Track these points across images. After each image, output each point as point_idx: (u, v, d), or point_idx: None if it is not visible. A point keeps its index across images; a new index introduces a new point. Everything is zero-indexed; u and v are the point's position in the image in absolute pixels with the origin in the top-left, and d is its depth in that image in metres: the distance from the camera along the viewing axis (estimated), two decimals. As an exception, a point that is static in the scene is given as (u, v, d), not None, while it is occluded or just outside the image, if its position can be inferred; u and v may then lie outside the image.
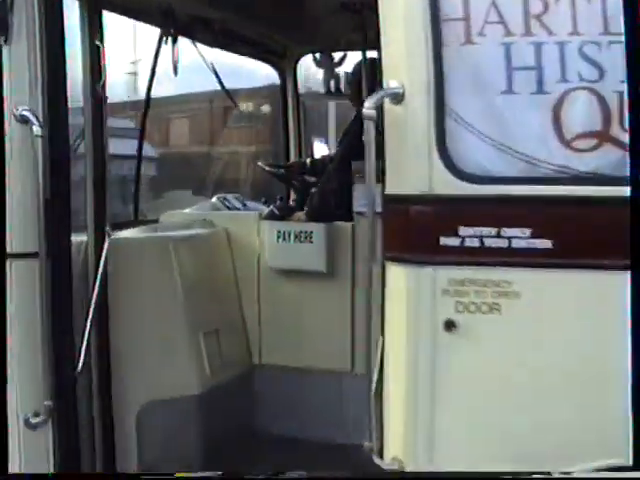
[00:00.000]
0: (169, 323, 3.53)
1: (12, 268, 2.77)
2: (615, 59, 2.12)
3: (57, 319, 2.86)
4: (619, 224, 2.12)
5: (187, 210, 4.30)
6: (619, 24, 2.12)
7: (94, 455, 3.18)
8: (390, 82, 2.28)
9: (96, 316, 3.06)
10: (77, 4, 3.11)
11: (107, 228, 3.14)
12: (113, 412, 3.28)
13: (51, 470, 2.87)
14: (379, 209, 2.34)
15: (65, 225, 2.95)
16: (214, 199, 4.51)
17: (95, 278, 3.05)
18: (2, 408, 2.29)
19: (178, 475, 2.84)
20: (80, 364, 2.93)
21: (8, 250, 2.76)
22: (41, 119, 2.75)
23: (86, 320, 2.98)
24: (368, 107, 2.24)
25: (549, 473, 2.18)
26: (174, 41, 3.90)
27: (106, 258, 3.10)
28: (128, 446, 3.41)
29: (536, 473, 2.18)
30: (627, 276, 2.08)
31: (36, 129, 2.70)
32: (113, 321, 3.27)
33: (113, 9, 3.42)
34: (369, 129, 2.24)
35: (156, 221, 4.17)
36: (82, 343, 2.94)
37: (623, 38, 2.11)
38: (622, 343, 2.08)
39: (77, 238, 3.13)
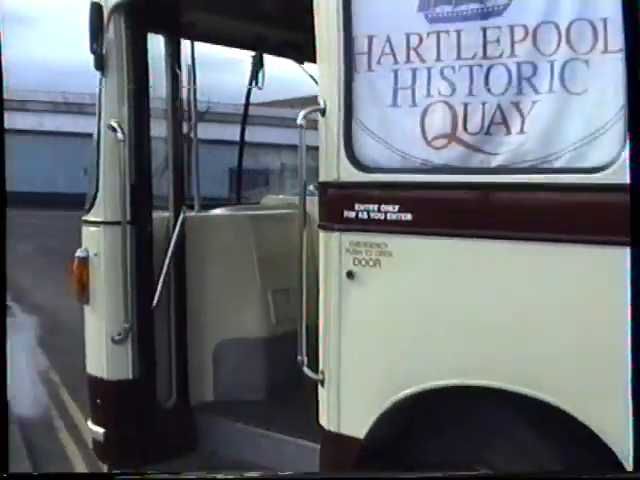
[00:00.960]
0: (243, 280, 4.58)
1: (105, 231, 4.00)
2: (463, 78, 2.85)
3: (139, 267, 4.04)
4: (464, 203, 2.87)
5: (281, 196, 5.32)
6: (469, 52, 2.84)
7: (170, 378, 4.29)
8: (319, 99, 3.17)
9: (173, 267, 4.19)
10: (161, 38, 4.25)
11: (183, 207, 4.26)
12: (188, 346, 4.38)
13: (130, 377, 4.06)
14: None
15: (147, 203, 4.13)
16: (310, 186, 5.50)
17: (170, 243, 4.19)
18: (2, 408, 2.26)
19: (183, 475, 3.34)
20: (155, 300, 4.08)
21: (102, 219, 4.00)
22: (126, 129, 3.94)
23: (161, 269, 4.13)
24: (300, 118, 3.15)
25: (550, 472, 2.72)
26: (261, 64, 4.95)
27: (182, 227, 4.23)
28: (204, 375, 4.48)
29: (537, 473, 2.73)
30: (470, 241, 2.82)
31: (119, 136, 3.88)
32: (191, 274, 4.38)
33: (197, 38, 4.53)
34: (301, 134, 3.14)
35: (257, 203, 5.25)
36: (158, 284, 4.09)
37: (471, 63, 2.83)
38: (462, 291, 2.83)
39: (163, 213, 4.29)
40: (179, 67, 4.27)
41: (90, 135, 4.13)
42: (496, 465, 2.93)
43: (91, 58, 3.94)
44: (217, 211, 4.79)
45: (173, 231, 4.21)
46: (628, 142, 2.34)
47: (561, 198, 2.65)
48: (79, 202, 4.28)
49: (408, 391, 2.95)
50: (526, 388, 2.68)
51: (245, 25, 4.48)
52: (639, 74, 2.21)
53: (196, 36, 4.49)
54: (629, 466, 2.42)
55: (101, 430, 4.10)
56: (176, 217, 4.24)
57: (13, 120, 41.14)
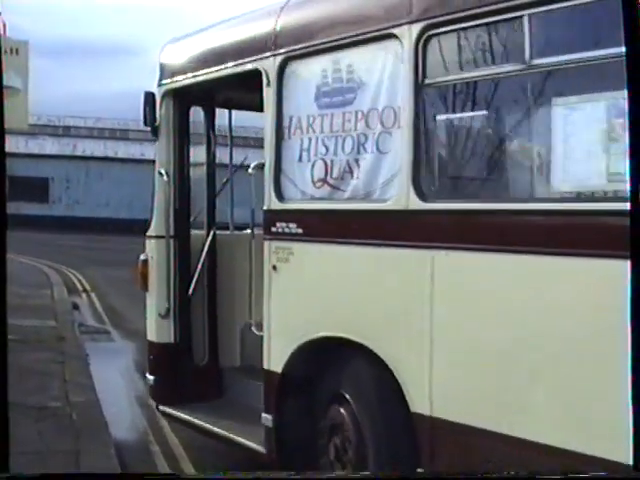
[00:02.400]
0: (258, 279, 6.36)
1: (157, 242, 5.97)
2: (331, 144, 4.53)
3: (180, 267, 5.98)
4: (332, 221, 4.55)
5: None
6: (336, 127, 4.53)
7: (204, 346, 6.14)
8: (264, 155, 4.96)
9: (206, 268, 6.08)
10: (201, 110, 6.21)
11: (213, 227, 6.16)
12: (218, 325, 6.19)
13: (172, 341, 5.97)
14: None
15: (185, 224, 6.07)
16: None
17: (203, 251, 6.10)
18: (3, 408, 2.30)
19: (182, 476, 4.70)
20: (191, 290, 5.98)
21: (155, 234, 5.98)
22: (171, 174, 5.91)
23: (196, 269, 6.03)
24: (251, 169, 4.97)
25: (552, 472, 3.04)
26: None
27: (213, 241, 6.13)
28: (232, 347, 6.29)
29: (537, 473, 3.12)
30: (336, 245, 4.50)
31: (165, 179, 5.86)
32: (220, 273, 6.22)
33: (225, 107, 6.43)
34: (251, 180, 4.96)
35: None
36: (193, 278, 5.99)
37: (336, 134, 4.53)
38: (329, 275, 4.51)
39: (201, 231, 6.21)
40: (213, 130, 6.21)
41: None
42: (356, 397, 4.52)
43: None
44: (244, 232, 6.64)
45: (205, 244, 6.12)
46: (628, 149, 2.61)
47: (375, 216, 4.30)
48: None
49: (305, 339, 4.64)
50: (352, 335, 4.32)
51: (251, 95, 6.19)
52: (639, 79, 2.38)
53: (225, 106, 6.42)
54: (413, 405, 3.95)
55: (152, 377, 6.05)
56: (208, 234, 6.15)
57: (116, 149, 43.52)
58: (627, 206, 3.07)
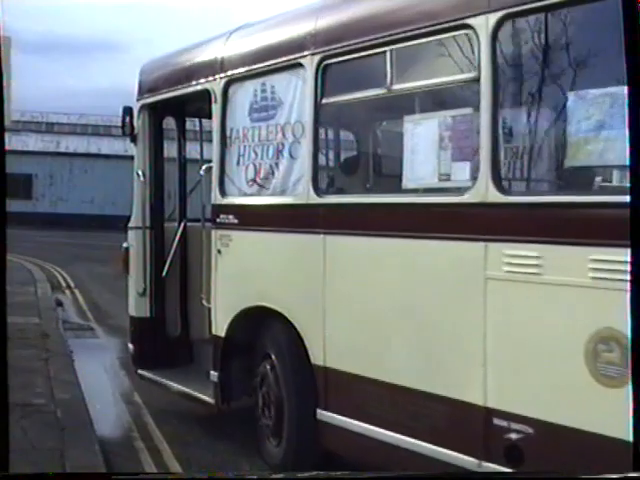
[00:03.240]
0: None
1: (135, 232, 7.09)
2: (259, 151, 5.60)
3: (155, 254, 7.10)
4: (259, 213, 5.61)
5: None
6: (262, 137, 5.60)
7: (177, 321, 7.25)
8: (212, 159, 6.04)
9: (178, 255, 7.19)
10: (173, 120, 7.32)
11: (184, 219, 7.25)
12: (188, 302, 7.29)
13: (148, 315, 7.09)
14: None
15: (159, 217, 7.18)
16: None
17: (174, 240, 7.21)
18: (3, 408, 2.26)
19: (181, 475, 5.02)
20: (164, 272, 7.10)
21: (134, 225, 7.10)
22: (147, 174, 7.03)
23: (169, 254, 7.14)
24: (202, 171, 6.07)
25: (551, 473, 3.14)
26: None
27: (183, 231, 7.22)
28: (202, 321, 7.39)
29: (537, 473, 3.24)
30: (263, 232, 5.57)
31: (142, 179, 6.97)
32: (191, 259, 7.32)
33: (192, 116, 7.53)
34: (202, 180, 6.06)
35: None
36: (167, 262, 7.10)
37: (263, 143, 5.60)
38: (259, 254, 5.58)
39: (172, 224, 7.32)
40: (184, 136, 7.32)
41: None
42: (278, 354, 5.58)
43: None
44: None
45: (177, 233, 7.23)
46: (629, 150, 2.73)
47: (286, 209, 5.36)
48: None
49: (240, 308, 5.72)
50: (272, 304, 5.39)
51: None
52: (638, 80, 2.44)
53: (193, 115, 7.52)
54: (313, 358, 5.02)
55: (131, 346, 7.18)
56: (179, 225, 7.26)
57: (100, 145, 42.99)
58: (455, 198, 4.14)
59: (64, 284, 16.93)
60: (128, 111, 7.04)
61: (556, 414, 3.71)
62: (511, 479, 3.24)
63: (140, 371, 7.12)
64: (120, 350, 9.40)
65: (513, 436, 3.87)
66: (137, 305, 7.14)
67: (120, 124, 7.06)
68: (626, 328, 3.28)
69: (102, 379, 8.44)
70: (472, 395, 4.06)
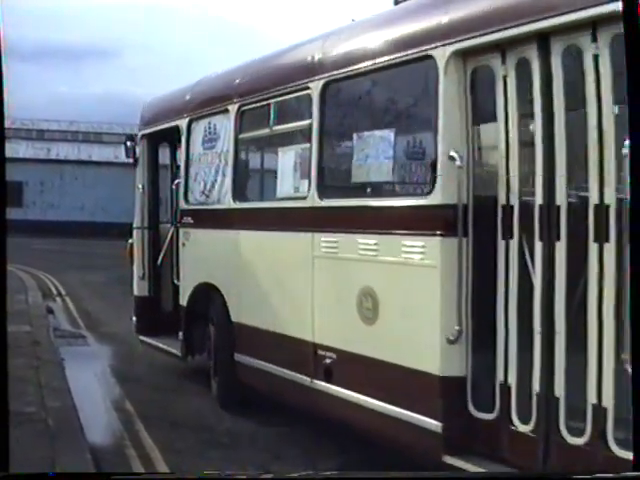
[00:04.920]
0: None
1: (137, 232, 9.38)
2: (208, 171, 7.77)
3: (152, 247, 9.36)
4: (206, 216, 7.79)
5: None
6: (209, 160, 7.77)
7: (170, 299, 9.45)
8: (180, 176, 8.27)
9: (169, 247, 9.41)
10: (167, 147, 9.57)
11: (175, 222, 9.46)
12: (180, 285, 9.50)
13: (147, 294, 9.34)
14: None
15: (155, 219, 9.44)
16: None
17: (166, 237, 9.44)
18: (3, 408, 2.25)
19: (180, 476, 5.37)
20: (159, 261, 9.33)
21: (135, 225, 9.39)
22: (146, 188, 9.29)
23: (163, 248, 9.37)
24: (174, 184, 8.30)
25: (551, 473, 3.39)
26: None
27: (175, 231, 9.44)
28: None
29: (537, 473, 3.51)
30: (211, 230, 7.74)
31: (141, 191, 9.25)
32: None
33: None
34: (172, 190, 8.28)
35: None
36: (161, 253, 9.33)
37: (209, 165, 7.77)
38: (208, 245, 7.75)
39: (166, 225, 9.55)
40: (175, 158, 9.56)
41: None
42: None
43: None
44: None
45: (169, 232, 9.47)
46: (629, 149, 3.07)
47: (219, 212, 7.49)
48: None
49: (195, 284, 7.89)
50: (213, 281, 7.54)
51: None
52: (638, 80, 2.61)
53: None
54: (233, 318, 7.19)
55: (135, 318, 9.44)
56: (172, 227, 9.49)
57: (90, 152, 42.34)
58: (300, 203, 6.20)
59: (55, 291, 16.81)
60: (131, 138, 9.34)
61: (348, 345, 5.72)
62: (511, 479, 3.27)
63: (141, 337, 9.36)
64: (111, 358, 9.95)
65: (327, 361, 5.89)
66: (139, 286, 9.40)
67: (124, 148, 9.34)
68: (377, 285, 5.36)
69: (93, 387, 8.42)
70: (306, 334, 6.10)
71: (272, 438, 6.51)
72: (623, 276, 3.90)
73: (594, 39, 4.09)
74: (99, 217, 38.89)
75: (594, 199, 4.09)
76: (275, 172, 6.80)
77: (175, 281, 8.50)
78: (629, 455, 3.71)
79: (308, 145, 6.20)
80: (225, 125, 7.45)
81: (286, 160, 6.55)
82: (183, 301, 8.16)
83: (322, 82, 5.99)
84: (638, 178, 2.68)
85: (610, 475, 2.88)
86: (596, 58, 4.07)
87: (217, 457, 6.08)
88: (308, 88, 6.14)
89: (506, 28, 4.50)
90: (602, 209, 4.05)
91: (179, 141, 9.47)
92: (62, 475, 4.11)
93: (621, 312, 3.93)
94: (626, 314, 3.78)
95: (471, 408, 4.81)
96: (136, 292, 9.48)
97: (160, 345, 8.79)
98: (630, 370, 2.45)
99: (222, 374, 7.45)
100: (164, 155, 9.66)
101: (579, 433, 4.20)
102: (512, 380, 4.58)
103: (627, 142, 3.61)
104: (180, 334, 8.19)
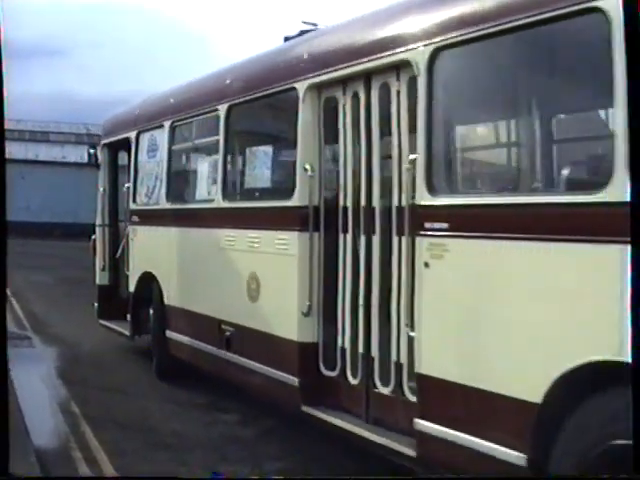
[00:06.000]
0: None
1: (97, 229, 10.72)
2: (149, 178, 9.07)
3: (110, 242, 10.68)
4: (152, 216, 9.10)
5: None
6: (151, 169, 9.08)
7: (127, 287, 10.77)
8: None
9: (126, 242, 10.72)
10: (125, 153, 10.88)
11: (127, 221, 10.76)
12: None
13: (107, 283, 10.65)
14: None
15: (115, 217, 10.76)
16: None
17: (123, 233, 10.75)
18: (3, 408, 2.28)
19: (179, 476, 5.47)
20: (118, 254, 10.64)
21: (97, 223, 10.72)
22: (106, 190, 10.62)
23: (121, 242, 10.69)
24: (125, 187, 9.62)
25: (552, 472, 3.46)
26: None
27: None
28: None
29: (539, 473, 3.58)
30: (159, 227, 9.04)
31: (102, 192, 10.58)
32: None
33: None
34: (126, 193, 9.61)
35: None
36: (119, 247, 10.64)
37: (150, 173, 9.08)
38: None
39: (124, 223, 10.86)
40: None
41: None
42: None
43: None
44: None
45: (125, 229, 10.77)
46: (629, 151, 3.25)
47: (156, 212, 8.80)
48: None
49: (140, 273, 9.20)
50: (152, 270, 8.84)
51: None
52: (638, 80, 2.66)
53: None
54: (166, 301, 8.50)
55: (96, 304, 10.76)
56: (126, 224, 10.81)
57: (37, 151, 40.47)
58: (212, 205, 7.50)
59: (1, 292, 17.11)
60: (95, 147, 10.67)
61: (241, 320, 6.99)
62: (511, 479, 3.32)
63: (100, 321, 10.66)
64: (57, 359, 9.84)
65: (228, 333, 7.18)
66: (100, 277, 10.72)
67: (87, 156, 10.67)
68: (259, 271, 6.65)
69: (39, 389, 8.32)
70: (214, 312, 7.39)
71: (218, 440, 6.73)
72: (404, 264, 5.16)
73: (397, 78, 5.35)
74: (45, 217, 37.68)
75: (395, 202, 5.35)
76: (196, 178, 8.11)
77: (126, 271, 9.79)
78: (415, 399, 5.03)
79: (217, 156, 7.49)
80: (162, 138, 8.75)
81: (203, 168, 7.86)
82: (131, 288, 9.46)
83: (226, 105, 7.27)
84: (638, 178, 2.65)
85: (610, 475, 2.94)
86: (398, 93, 5.33)
87: (164, 459, 6.15)
88: (217, 110, 7.42)
89: (343, 68, 5.77)
90: (400, 209, 5.30)
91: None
92: (63, 479, 4.17)
93: (409, 289, 5.14)
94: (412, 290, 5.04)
95: (322, 367, 6.07)
96: (98, 281, 10.79)
97: (114, 327, 10.09)
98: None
99: (157, 349, 8.76)
100: (123, 161, 10.95)
101: (387, 384, 5.46)
102: (347, 345, 5.85)
103: (410, 157, 4.94)
104: (128, 316, 9.50)
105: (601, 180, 3.78)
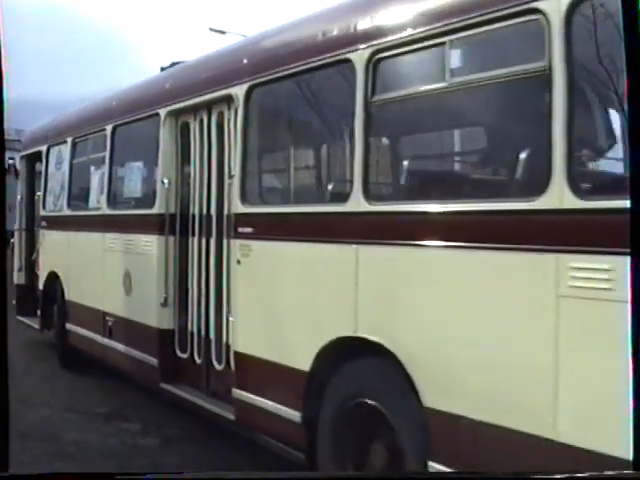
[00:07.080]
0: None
1: (17, 232, 11.75)
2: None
3: (28, 243, 11.72)
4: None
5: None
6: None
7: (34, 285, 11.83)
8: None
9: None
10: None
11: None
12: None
13: (24, 283, 11.68)
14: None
15: (31, 223, 11.79)
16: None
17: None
18: (4, 408, 2.34)
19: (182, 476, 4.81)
20: (33, 256, 11.68)
21: (16, 228, 11.75)
22: (24, 198, 11.66)
23: (34, 245, 11.73)
24: (36, 196, 10.67)
25: (551, 472, 3.30)
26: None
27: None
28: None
29: (537, 473, 3.47)
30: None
31: (20, 200, 11.60)
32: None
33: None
34: (37, 201, 10.66)
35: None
36: (35, 248, 11.68)
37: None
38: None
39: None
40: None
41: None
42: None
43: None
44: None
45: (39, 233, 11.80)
46: (629, 149, 3.09)
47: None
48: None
49: (47, 272, 10.23)
50: (56, 270, 9.90)
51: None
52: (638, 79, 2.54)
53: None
54: (66, 296, 9.57)
55: (14, 302, 11.76)
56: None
57: None
58: (100, 212, 8.60)
59: None
60: (16, 160, 11.71)
61: (118, 311, 8.08)
62: (511, 479, 3.39)
63: (18, 317, 11.67)
64: None
65: (110, 323, 8.26)
66: (18, 276, 11.74)
67: (7, 166, 11.68)
68: (131, 268, 7.76)
69: None
70: (100, 305, 8.47)
71: (118, 447, 6.71)
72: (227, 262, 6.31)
73: (229, 108, 6.48)
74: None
75: (225, 211, 6.49)
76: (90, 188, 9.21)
77: (37, 271, 10.83)
78: (223, 368, 6.16)
79: (104, 170, 8.59)
80: (66, 152, 9.82)
81: (95, 180, 8.96)
82: (41, 286, 10.51)
83: (111, 125, 8.38)
84: (638, 176, 2.67)
85: (610, 473, 2.96)
86: (229, 121, 6.47)
87: (65, 468, 5.95)
88: (105, 129, 8.52)
89: (193, 97, 6.90)
90: (229, 217, 6.43)
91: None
92: (63, 475, 4.14)
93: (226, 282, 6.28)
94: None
95: (177, 350, 7.18)
96: (15, 281, 11.80)
97: (28, 322, 11.12)
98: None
99: (59, 341, 9.82)
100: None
101: (220, 362, 6.59)
102: (195, 330, 6.98)
103: (232, 173, 6.10)
104: (38, 312, 10.54)
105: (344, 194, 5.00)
